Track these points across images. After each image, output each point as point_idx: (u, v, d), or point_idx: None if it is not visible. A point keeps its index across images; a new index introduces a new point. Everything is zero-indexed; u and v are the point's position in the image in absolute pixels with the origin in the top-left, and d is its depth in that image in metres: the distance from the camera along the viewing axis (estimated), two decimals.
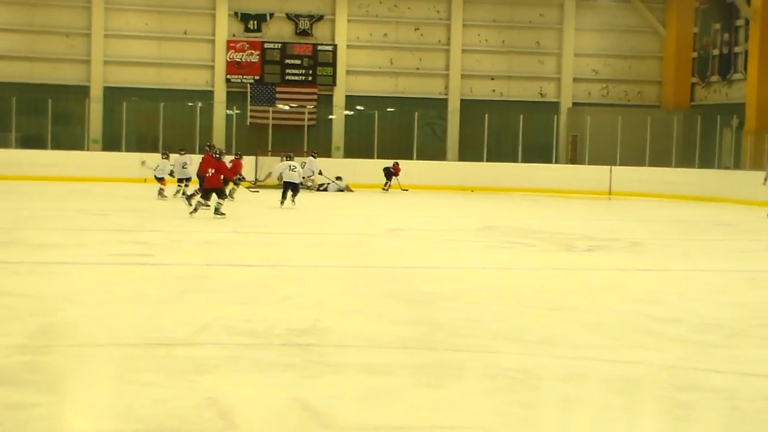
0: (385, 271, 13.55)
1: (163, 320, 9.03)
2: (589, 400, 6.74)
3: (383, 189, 36.72)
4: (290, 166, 26.65)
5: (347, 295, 10.91)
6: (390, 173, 37.05)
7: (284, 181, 26.39)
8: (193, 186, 26.20)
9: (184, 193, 26.46)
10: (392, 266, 14.21)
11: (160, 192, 28.29)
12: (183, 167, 28.57)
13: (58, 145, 37.50)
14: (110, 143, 40.10)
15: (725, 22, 40.19)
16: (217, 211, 21.32)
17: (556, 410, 6.60)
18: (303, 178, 30.75)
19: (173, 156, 29.66)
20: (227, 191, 24.78)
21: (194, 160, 27.76)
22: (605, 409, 6.51)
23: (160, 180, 28.72)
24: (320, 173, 35.08)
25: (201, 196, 22.08)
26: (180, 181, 28.16)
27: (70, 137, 39.38)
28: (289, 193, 26.06)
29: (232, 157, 27.02)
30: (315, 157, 35.27)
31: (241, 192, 31.72)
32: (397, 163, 37.37)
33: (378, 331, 8.86)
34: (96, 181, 34.47)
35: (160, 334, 8.38)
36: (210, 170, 21.69)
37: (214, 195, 21.64)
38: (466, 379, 7.24)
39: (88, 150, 39.42)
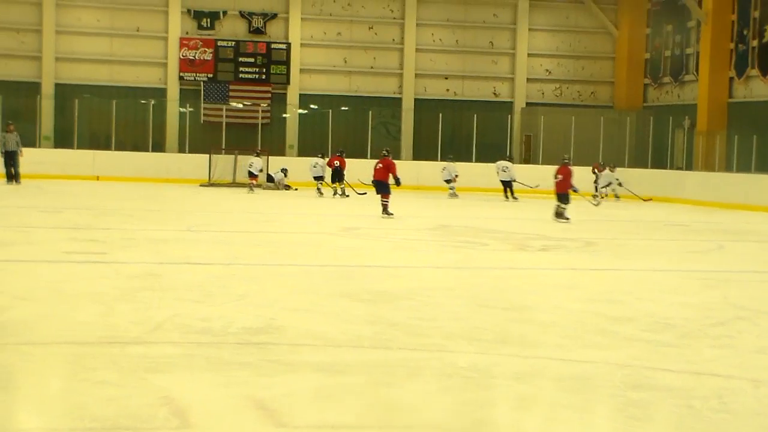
0: (340, 269, 13.52)
1: (117, 318, 8.97)
2: (544, 399, 6.76)
3: (594, 203, 32.48)
4: (503, 167, 33.42)
5: (302, 294, 10.88)
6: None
7: (501, 180, 33.40)
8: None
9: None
10: (347, 265, 14.18)
11: (250, 186, 32.75)
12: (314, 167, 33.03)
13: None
14: (62, 140, 39.80)
15: (677, 24, 40.51)
16: (385, 210, 23.13)
17: (510, 409, 6.61)
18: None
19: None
20: (339, 190, 31.75)
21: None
22: (559, 408, 6.53)
23: (254, 176, 32.91)
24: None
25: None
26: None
27: (21, 134, 38.90)
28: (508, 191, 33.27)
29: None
30: (512, 162, 35.12)
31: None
32: (598, 165, 35.57)
33: (333, 330, 8.84)
34: (47, 178, 34.17)
35: (114, 333, 8.32)
36: (378, 165, 24.00)
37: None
38: (421, 378, 7.24)
39: (39, 147, 39.10)
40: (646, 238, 21.07)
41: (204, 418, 5.92)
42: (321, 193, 32.20)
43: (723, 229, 23.47)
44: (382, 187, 23.50)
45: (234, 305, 10.02)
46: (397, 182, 24.11)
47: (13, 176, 31.87)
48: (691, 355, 8.40)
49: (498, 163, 34.03)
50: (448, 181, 34.24)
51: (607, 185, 35.00)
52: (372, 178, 24.05)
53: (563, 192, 23.44)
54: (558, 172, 23.74)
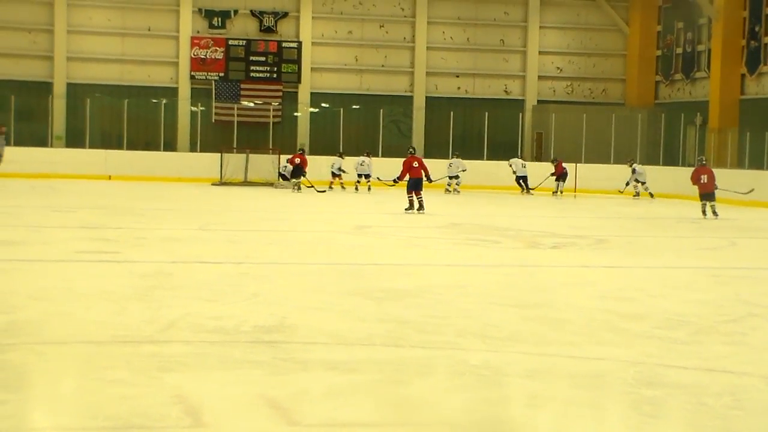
0: (352, 268, 13.53)
1: (129, 317, 8.98)
2: (556, 397, 6.76)
3: (554, 194, 35.43)
4: (522, 164, 36.31)
5: (314, 292, 10.89)
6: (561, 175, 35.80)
7: (520, 175, 35.69)
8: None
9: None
10: (359, 263, 14.20)
11: (331, 186, 34.39)
12: (361, 164, 34.48)
13: (21, 142, 37.16)
14: (74, 140, 39.84)
15: (688, 21, 40.42)
16: (421, 206, 23.97)
17: (523, 407, 6.61)
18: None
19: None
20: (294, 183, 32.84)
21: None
22: (572, 406, 6.53)
23: (336, 176, 34.55)
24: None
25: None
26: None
27: (33, 134, 39.10)
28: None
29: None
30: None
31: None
32: (558, 162, 36.22)
33: (345, 328, 8.85)
34: (60, 177, 34.25)
35: (126, 332, 8.33)
36: (414, 163, 24.57)
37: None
38: (433, 375, 7.24)
39: (51, 147, 39.19)
40: (657, 235, 21.04)
41: (216, 417, 5.93)
42: (356, 190, 33.81)
43: (735, 226, 23.42)
44: (420, 184, 24.31)
45: (246, 304, 10.03)
46: (429, 179, 25.01)
47: None
48: (703, 352, 8.39)
49: (517, 160, 36.60)
50: (453, 177, 34.77)
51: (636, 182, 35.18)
52: (400, 176, 25.04)
53: (711, 191, 25.07)
54: (700, 173, 25.31)
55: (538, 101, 43.49)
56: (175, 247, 15.30)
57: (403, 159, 25.27)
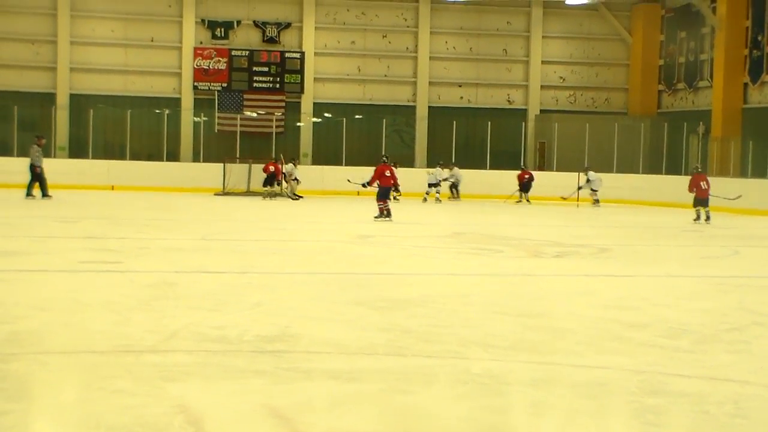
0: (354, 277, 13.52)
1: (132, 327, 8.97)
2: (559, 406, 6.75)
3: (518, 201, 36.25)
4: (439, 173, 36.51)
5: (317, 302, 10.88)
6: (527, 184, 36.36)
7: (455, 183, 36.42)
8: None
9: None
10: (362, 273, 14.19)
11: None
12: None
13: (24, 152, 37.10)
14: (77, 150, 39.92)
15: (691, 30, 40.47)
16: (389, 213, 24.48)
17: (525, 416, 6.59)
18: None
19: None
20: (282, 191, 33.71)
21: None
22: (575, 414, 6.52)
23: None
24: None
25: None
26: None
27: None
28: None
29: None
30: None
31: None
32: (525, 170, 37.08)
33: (348, 337, 8.84)
34: (63, 188, 34.23)
35: (129, 341, 8.32)
36: (386, 172, 25.02)
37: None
38: (436, 385, 7.23)
39: (54, 157, 39.20)
40: (660, 244, 21.02)
41: (219, 427, 5.93)
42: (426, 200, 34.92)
43: (738, 235, 23.42)
44: (389, 193, 25.01)
45: (249, 313, 10.02)
46: (397, 189, 25.25)
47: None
48: (706, 360, 8.38)
49: (439, 169, 36.60)
50: (432, 185, 35.41)
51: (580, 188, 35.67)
52: (370, 182, 25.46)
53: (707, 197, 26.64)
54: (699, 180, 26.87)
55: (541, 110, 43.55)
56: (177, 257, 15.30)
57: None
